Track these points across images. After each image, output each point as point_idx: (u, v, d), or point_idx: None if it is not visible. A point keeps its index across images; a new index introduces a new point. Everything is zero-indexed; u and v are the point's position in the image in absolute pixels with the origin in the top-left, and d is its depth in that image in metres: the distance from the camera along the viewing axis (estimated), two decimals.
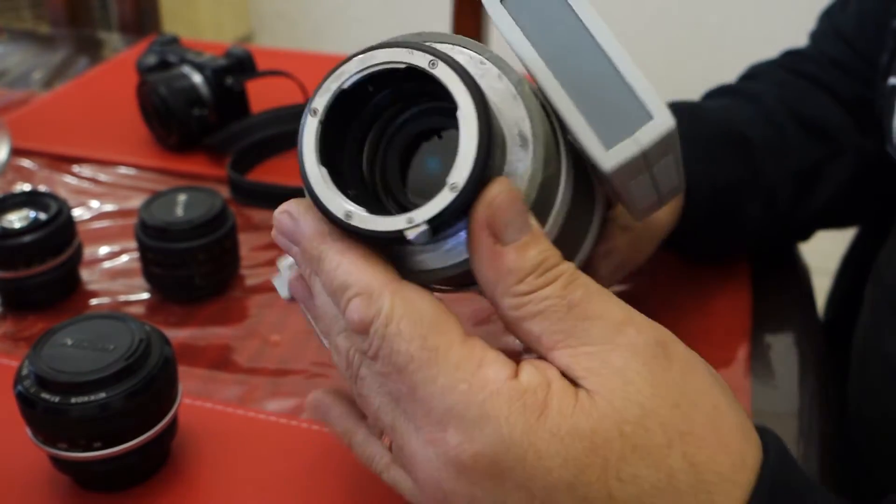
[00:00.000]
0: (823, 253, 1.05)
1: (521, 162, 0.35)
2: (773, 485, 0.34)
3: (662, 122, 0.36)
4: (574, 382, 0.34)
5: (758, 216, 0.67)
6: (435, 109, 0.37)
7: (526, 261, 0.34)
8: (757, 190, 0.67)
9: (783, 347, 0.66)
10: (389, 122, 0.37)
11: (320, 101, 0.35)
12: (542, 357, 0.35)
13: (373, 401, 0.36)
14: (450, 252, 0.36)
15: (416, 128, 0.37)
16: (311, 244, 0.36)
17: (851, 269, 0.89)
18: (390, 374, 0.34)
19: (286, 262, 0.41)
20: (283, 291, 0.41)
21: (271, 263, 0.72)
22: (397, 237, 0.33)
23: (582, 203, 0.44)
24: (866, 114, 0.71)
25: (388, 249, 0.36)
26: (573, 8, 0.37)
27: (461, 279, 0.37)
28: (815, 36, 0.81)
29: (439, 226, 0.33)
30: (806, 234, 0.75)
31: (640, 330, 0.34)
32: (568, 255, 0.46)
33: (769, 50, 0.85)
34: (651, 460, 0.33)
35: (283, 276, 0.41)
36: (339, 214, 0.34)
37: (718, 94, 0.75)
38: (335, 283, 0.35)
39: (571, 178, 0.39)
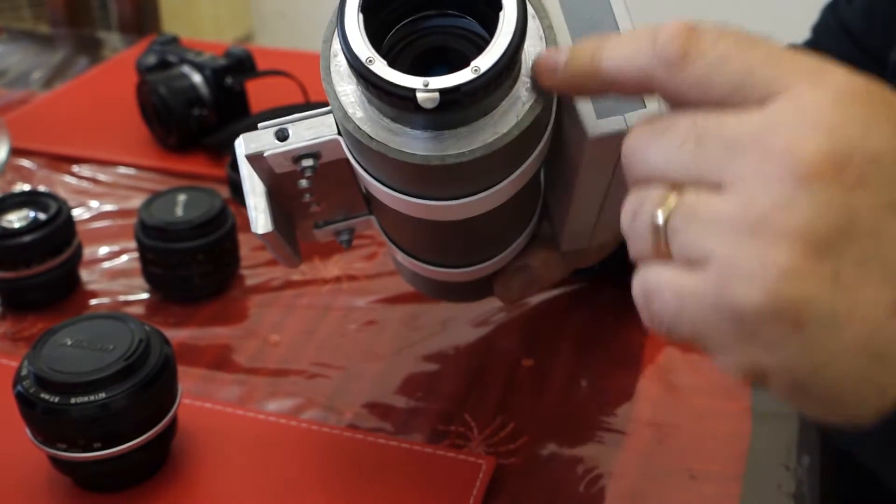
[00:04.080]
0: None
1: (527, 93, 0.37)
2: None
3: (653, 110, 0.39)
4: None
5: None
6: (460, 31, 0.39)
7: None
8: None
9: None
10: (420, 21, 0.39)
11: None
12: None
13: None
14: None
15: (436, 41, 0.39)
16: (583, 45, 0.36)
17: None
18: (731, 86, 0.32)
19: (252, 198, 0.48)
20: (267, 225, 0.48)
21: (271, 263, 0.72)
22: (410, 96, 0.34)
23: (532, 192, 0.47)
24: None
25: None
26: None
27: None
28: (818, 30, 0.80)
29: (448, 102, 0.34)
30: None
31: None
32: (503, 242, 0.49)
33: None
34: None
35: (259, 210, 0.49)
36: (362, 58, 0.35)
37: None
38: (635, 32, 0.35)
39: (545, 152, 0.41)
